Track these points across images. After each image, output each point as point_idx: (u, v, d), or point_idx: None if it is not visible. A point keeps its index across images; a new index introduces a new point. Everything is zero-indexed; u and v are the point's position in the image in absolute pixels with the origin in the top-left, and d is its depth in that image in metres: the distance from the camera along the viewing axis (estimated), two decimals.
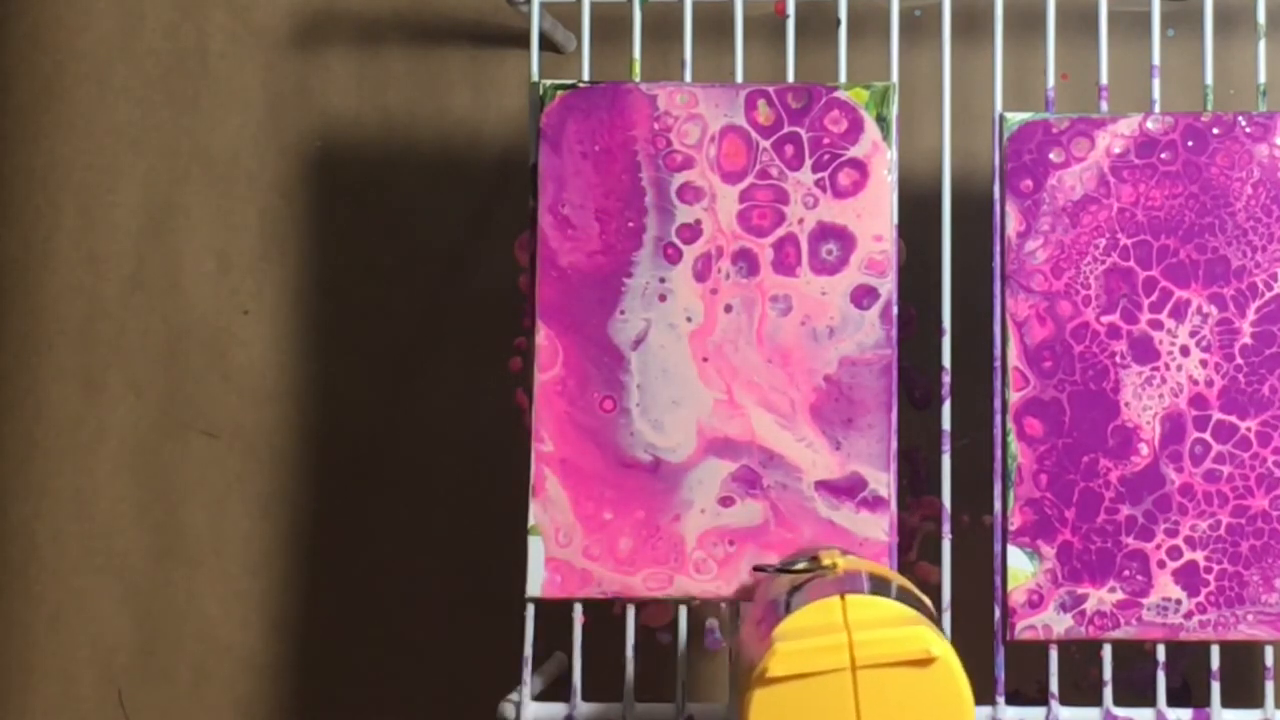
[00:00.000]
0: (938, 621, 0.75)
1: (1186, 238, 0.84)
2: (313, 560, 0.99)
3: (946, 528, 0.85)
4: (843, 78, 0.87)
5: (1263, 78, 0.86)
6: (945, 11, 0.87)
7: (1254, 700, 0.83)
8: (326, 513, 1.00)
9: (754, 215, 0.85)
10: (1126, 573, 0.83)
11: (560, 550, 0.84)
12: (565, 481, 0.85)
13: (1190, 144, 0.84)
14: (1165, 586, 0.83)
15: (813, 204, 0.85)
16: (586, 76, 0.89)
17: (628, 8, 0.89)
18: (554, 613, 0.90)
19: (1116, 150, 0.84)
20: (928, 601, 0.75)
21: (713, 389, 0.84)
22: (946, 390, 0.85)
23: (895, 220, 0.85)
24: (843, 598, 0.71)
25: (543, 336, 0.85)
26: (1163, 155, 0.84)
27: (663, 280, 0.85)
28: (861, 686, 0.69)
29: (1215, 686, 0.83)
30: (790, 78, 0.87)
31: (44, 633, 0.99)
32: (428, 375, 0.98)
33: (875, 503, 0.83)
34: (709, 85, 0.86)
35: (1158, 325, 0.83)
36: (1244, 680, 0.88)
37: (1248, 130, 0.84)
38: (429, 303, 0.99)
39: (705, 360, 0.84)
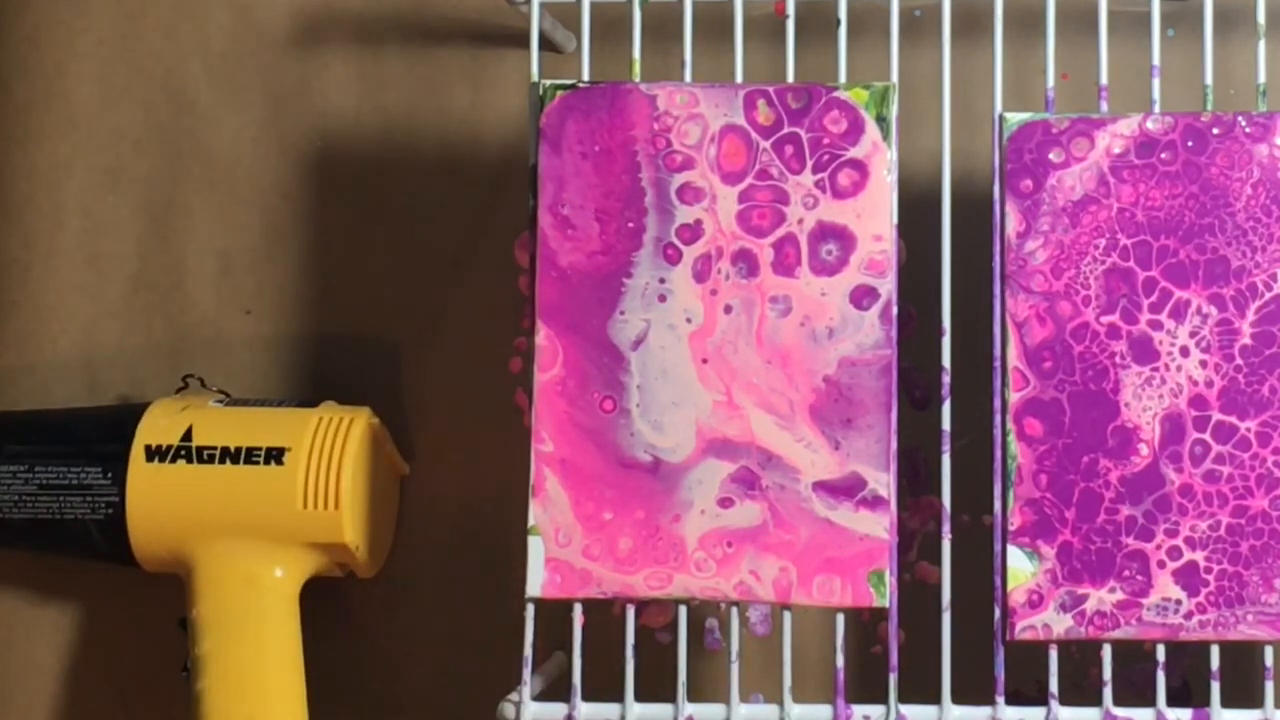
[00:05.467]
0: None
1: (1186, 238, 0.84)
2: None
3: (946, 528, 0.85)
4: (843, 78, 0.87)
5: (1263, 78, 0.86)
6: (945, 11, 0.87)
7: (1254, 700, 0.83)
8: None
9: (754, 215, 0.85)
10: (1126, 573, 0.83)
11: (560, 550, 0.84)
12: (565, 481, 0.85)
13: (1190, 144, 0.84)
14: (1165, 587, 0.83)
15: (812, 204, 0.85)
16: (586, 76, 0.89)
17: (628, 8, 0.89)
18: (554, 613, 0.90)
19: (1116, 150, 0.84)
20: None
21: (712, 390, 0.84)
22: (946, 390, 0.85)
23: (895, 220, 0.85)
24: None
25: (543, 336, 0.85)
26: (1163, 155, 0.84)
27: (662, 281, 0.85)
28: None
29: (1215, 686, 0.83)
30: (790, 78, 0.87)
31: (48, 631, 0.99)
32: (427, 375, 0.98)
33: (875, 502, 0.83)
34: (709, 85, 0.86)
35: (1157, 325, 0.83)
36: (1244, 680, 0.88)
37: (1248, 130, 0.84)
38: (429, 303, 0.99)
39: (705, 361, 0.85)
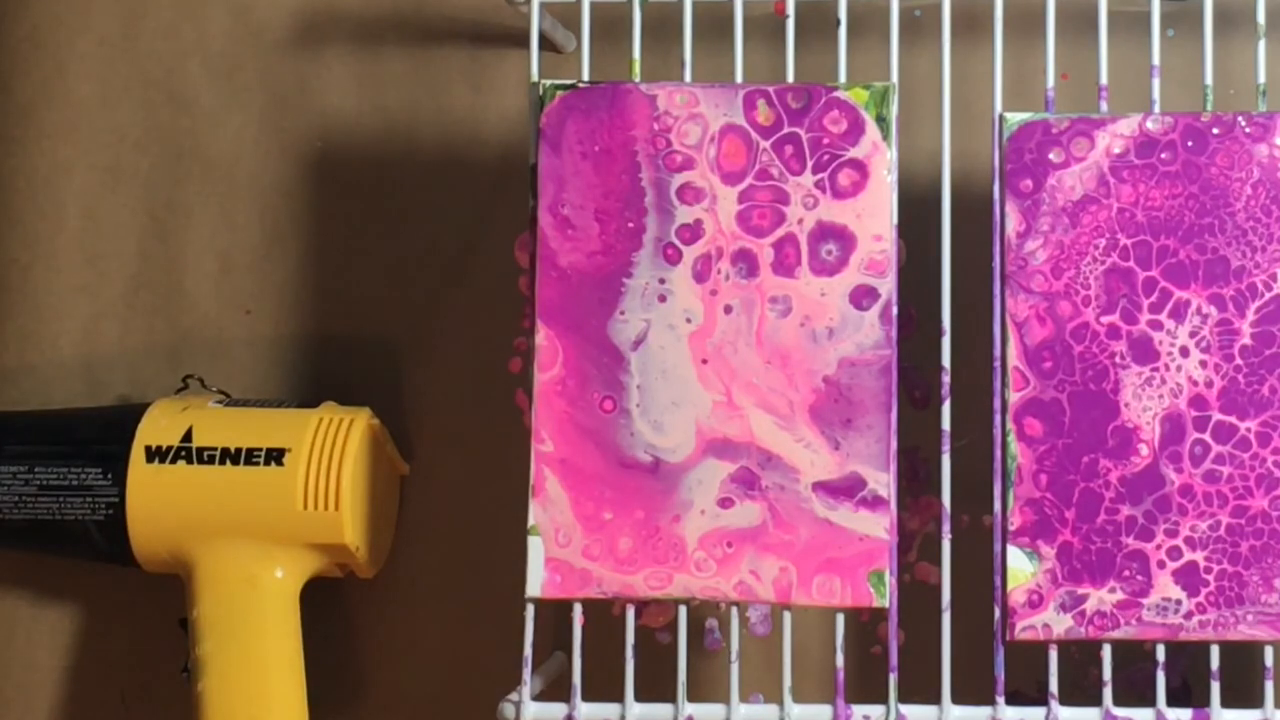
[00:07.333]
0: None
1: (1186, 238, 0.84)
2: None
3: (946, 528, 0.85)
4: (843, 78, 0.87)
5: (1263, 78, 0.86)
6: (945, 11, 0.87)
7: (1254, 700, 0.83)
8: None
9: (754, 216, 0.85)
10: (1126, 573, 0.83)
11: (560, 550, 0.84)
12: (565, 481, 0.85)
13: (1190, 144, 0.84)
14: (1165, 587, 0.83)
15: (812, 204, 0.85)
16: (586, 76, 0.89)
17: (628, 8, 0.89)
18: (554, 613, 0.90)
19: (1116, 150, 0.84)
20: None
21: (712, 390, 0.84)
22: (946, 390, 0.85)
23: (895, 220, 0.85)
24: None
25: (543, 336, 0.85)
26: (1162, 155, 0.84)
27: (662, 281, 0.85)
28: None
29: (1215, 686, 0.83)
30: (790, 78, 0.87)
31: (47, 632, 0.99)
32: (427, 375, 0.98)
33: (875, 502, 0.83)
34: (709, 85, 0.86)
35: (1157, 326, 0.83)
36: (1244, 680, 0.88)
37: (1248, 130, 0.84)
38: (429, 303, 0.99)
39: (705, 361, 0.84)
